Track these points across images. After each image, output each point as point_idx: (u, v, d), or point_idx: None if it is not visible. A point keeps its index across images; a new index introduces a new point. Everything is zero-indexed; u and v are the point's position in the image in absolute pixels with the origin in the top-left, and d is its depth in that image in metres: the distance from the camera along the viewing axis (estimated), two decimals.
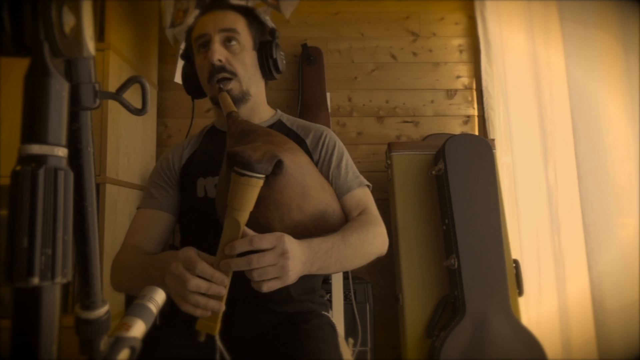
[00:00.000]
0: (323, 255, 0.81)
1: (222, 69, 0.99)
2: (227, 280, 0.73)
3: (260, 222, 0.78)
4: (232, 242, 0.73)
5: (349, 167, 1.03)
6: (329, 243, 0.83)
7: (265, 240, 0.73)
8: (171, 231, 1.05)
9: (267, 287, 0.73)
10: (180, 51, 1.17)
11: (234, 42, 1.01)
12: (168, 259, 0.77)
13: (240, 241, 0.73)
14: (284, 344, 0.86)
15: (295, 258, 0.75)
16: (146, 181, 1.10)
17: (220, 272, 0.73)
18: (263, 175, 0.75)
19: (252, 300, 0.92)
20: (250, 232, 0.75)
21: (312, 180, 0.85)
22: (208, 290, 0.72)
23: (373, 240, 0.92)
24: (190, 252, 0.75)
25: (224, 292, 0.73)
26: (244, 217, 0.74)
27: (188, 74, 1.11)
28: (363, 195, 1.00)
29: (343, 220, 0.93)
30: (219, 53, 0.99)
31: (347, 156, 1.05)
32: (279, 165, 0.76)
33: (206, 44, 1.01)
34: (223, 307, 0.73)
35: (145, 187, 1.08)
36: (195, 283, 0.71)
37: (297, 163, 0.81)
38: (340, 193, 0.97)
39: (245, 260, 0.72)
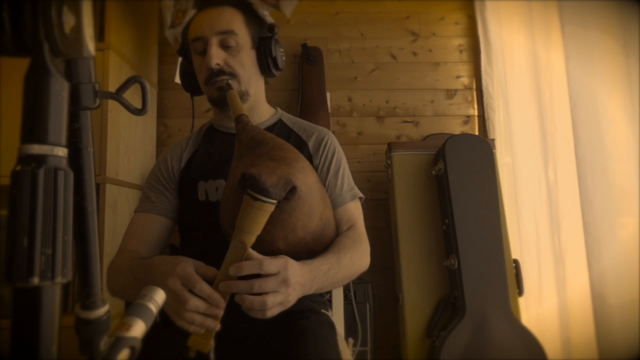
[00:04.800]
0: (321, 278, 0.82)
1: (221, 71, 0.98)
2: (223, 303, 0.72)
3: (264, 239, 0.78)
4: (238, 263, 0.72)
5: (345, 177, 1.03)
6: (327, 265, 0.84)
7: (273, 266, 0.73)
8: (168, 235, 1.04)
9: (271, 313, 0.73)
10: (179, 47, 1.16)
11: (231, 44, 0.99)
12: (162, 271, 0.76)
13: (249, 263, 0.72)
14: (282, 342, 0.86)
15: (297, 283, 0.75)
16: (144, 184, 1.09)
17: (219, 293, 0.72)
18: (276, 201, 0.75)
19: None
20: (254, 254, 0.75)
21: (318, 199, 0.85)
22: (206, 310, 0.71)
23: (361, 261, 0.94)
24: (189, 268, 0.74)
25: (221, 313, 0.73)
26: (251, 239, 0.74)
27: (186, 71, 1.09)
28: (354, 210, 1.01)
29: (336, 233, 0.94)
30: (216, 57, 0.98)
31: (344, 164, 1.05)
32: (292, 190, 0.76)
33: (203, 47, 1.00)
34: (218, 326, 0.72)
35: (143, 189, 1.07)
36: (194, 303, 0.71)
37: (307, 184, 0.81)
38: (334, 205, 0.98)
39: (248, 284, 0.71)
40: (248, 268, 0.72)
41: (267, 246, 0.78)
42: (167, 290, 0.72)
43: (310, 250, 0.85)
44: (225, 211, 0.83)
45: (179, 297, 0.71)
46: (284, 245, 0.80)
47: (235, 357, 0.88)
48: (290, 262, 0.76)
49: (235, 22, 1.01)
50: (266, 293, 0.72)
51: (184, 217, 1.04)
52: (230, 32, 0.99)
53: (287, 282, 0.74)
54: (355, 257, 0.91)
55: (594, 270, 1.56)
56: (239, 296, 0.72)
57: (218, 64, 0.98)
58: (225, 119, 1.09)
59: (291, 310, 0.93)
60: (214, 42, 0.98)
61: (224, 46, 0.99)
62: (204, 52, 1.00)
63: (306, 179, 0.81)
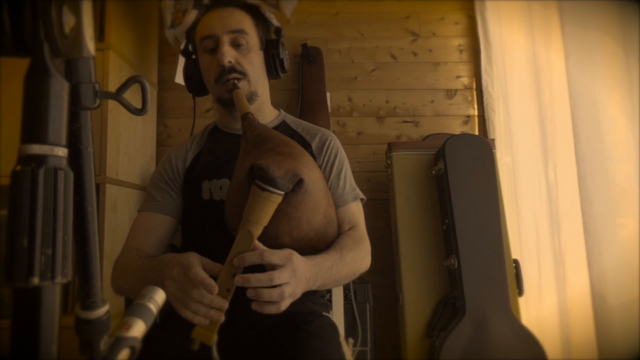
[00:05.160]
0: (324, 274, 0.82)
1: (232, 69, 0.99)
2: (217, 289, 0.72)
3: (269, 233, 0.78)
4: (240, 254, 0.73)
5: (347, 177, 1.04)
6: (329, 262, 0.84)
7: (276, 256, 0.73)
8: (173, 234, 1.04)
9: (284, 306, 0.73)
10: (182, 48, 1.16)
11: (242, 44, 1.00)
12: (169, 263, 0.76)
13: (251, 254, 0.73)
14: (286, 346, 0.86)
15: (302, 276, 0.76)
16: (148, 183, 1.10)
17: (223, 283, 0.72)
18: (283, 192, 0.75)
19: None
20: (260, 245, 0.75)
21: (322, 196, 0.86)
22: (211, 302, 0.71)
23: (362, 260, 0.94)
24: (192, 257, 0.74)
25: (226, 305, 0.72)
26: (258, 230, 0.75)
27: (190, 71, 1.09)
28: (356, 210, 1.02)
29: (338, 232, 0.94)
30: (229, 54, 0.98)
31: (346, 165, 1.06)
32: (299, 183, 0.77)
33: (214, 45, 1.00)
34: (222, 318, 0.72)
35: (147, 189, 1.07)
36: (199, 293, 0.71)
37: (312, 179, 0.81)
38: (336, 205, 0.98)
39: (267, 276, 0.71)
40: (250, 258, 0.72)
41: (272, 240, 0.78)
42: (173, 280, 0.72)
43: (313, 247, 0.85)
44: (231, 206, 0.84)
45: (184, 286, 0.71)
46: (289, 240, 0.80)
47: (236, 354, 0.88)
48: (295, 254, 0.76)
49: (245, 23, 1.02)
50: (280, 285, 0.72)
51: (188, 216, 1.04)
52: (241, 31, 1.00)
53: (296, 273, 0.74)
54: (357, 257, 0.91)
55: (594, 270, 1.56)
56: (252, 291, 0.72)
57: (230, 62, 0.99)
58: (230, 120, 1.09)
59: (294, 312, 0.93)
60: (226, 40, 0.99)
61: (235, 45, 1.00)
62: (214, 50, 1.01)
63: (311, 174, 0.82)
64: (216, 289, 0.71)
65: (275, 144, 0.84)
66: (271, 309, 0.73)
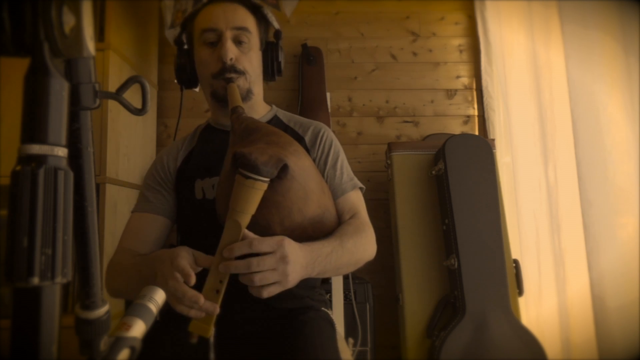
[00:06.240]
0: (323, 260, 0.81)
1: (233, 67, 0.99)
2: (218, 297, 0.72)
3: (260, 223, 0.77)
4: (230, 245, 0.72)
5: (344, 167, 1.03)
6: (328, 248, 0.83)
7: (265, 244, 0.73)
8: (166, 235, 1.04)
9: (268, 293, 0.73)
10: (175, 37, 1.13)
11: (244, 41, 1.00)
12: (161, 259, 0.76)
13: (240, 244, 0.72)
14: (280, 336, 0.86)
15: (296, 262, 0.75)
16: (141, 184, 1.09)
17: (216, 275, 0.72)
18: (268, 179, 0.74)
19: (252, 297, 0.92)
20: (250, 234, 0.74)
21: (314, 184, 0.85)
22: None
23: (366, 247, 0.93)
24: (184, 261, 0.73)
25: (221, 293, 0.72)
26: (245, 219, 0.74)
27: (183, 62, 1.09)
28: (356, 199, 1.01)
29: (337, 222, 0.93)
30: (231, 52, 0.98)
31: (342, 156, 1.05)
32: (284, 169, 0.76)
33: (215, 39, 1.00)
34: (218, 309, 0.72)
35: (140, 190, 1.07)
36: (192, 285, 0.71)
37: (301, 167, 0.80)
38: (334, 195, 0.97)
39: (245, 263, 0.71)
40: (239, 248, 0.72)
41: (263, 231, 0.77)
42: (164, 275, 0.72)
43: (309, 237, 0.84)
44: (221, 200, 0.83)
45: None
46: (281, 230, 0.79)
47: (234, 352, 0.88)
48: (287, 240, 0.75)
49: (248, 21, 1.02)
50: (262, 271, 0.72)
51: (182, 216, 1.04)
52: (245, 29, 1.00)
53: (286, 260, 0.73)
54: (359, 243, 0.90)
55: (593, 270, 1.56)
56: (241, 275, 0.72)
57: (232, 59, 0.98)
58: (223, 116, 1.08)
59: (292, 307, 0.94)
60: (229, 35, 0.99)
61: (237, 42, 1.00)
62: (214, 43, 1.00)
63: (299, 161, 0.81)
64: (193, 280, 0.71)
65: (263, 134, 0.83)
66: (253, 291, 0.73)
